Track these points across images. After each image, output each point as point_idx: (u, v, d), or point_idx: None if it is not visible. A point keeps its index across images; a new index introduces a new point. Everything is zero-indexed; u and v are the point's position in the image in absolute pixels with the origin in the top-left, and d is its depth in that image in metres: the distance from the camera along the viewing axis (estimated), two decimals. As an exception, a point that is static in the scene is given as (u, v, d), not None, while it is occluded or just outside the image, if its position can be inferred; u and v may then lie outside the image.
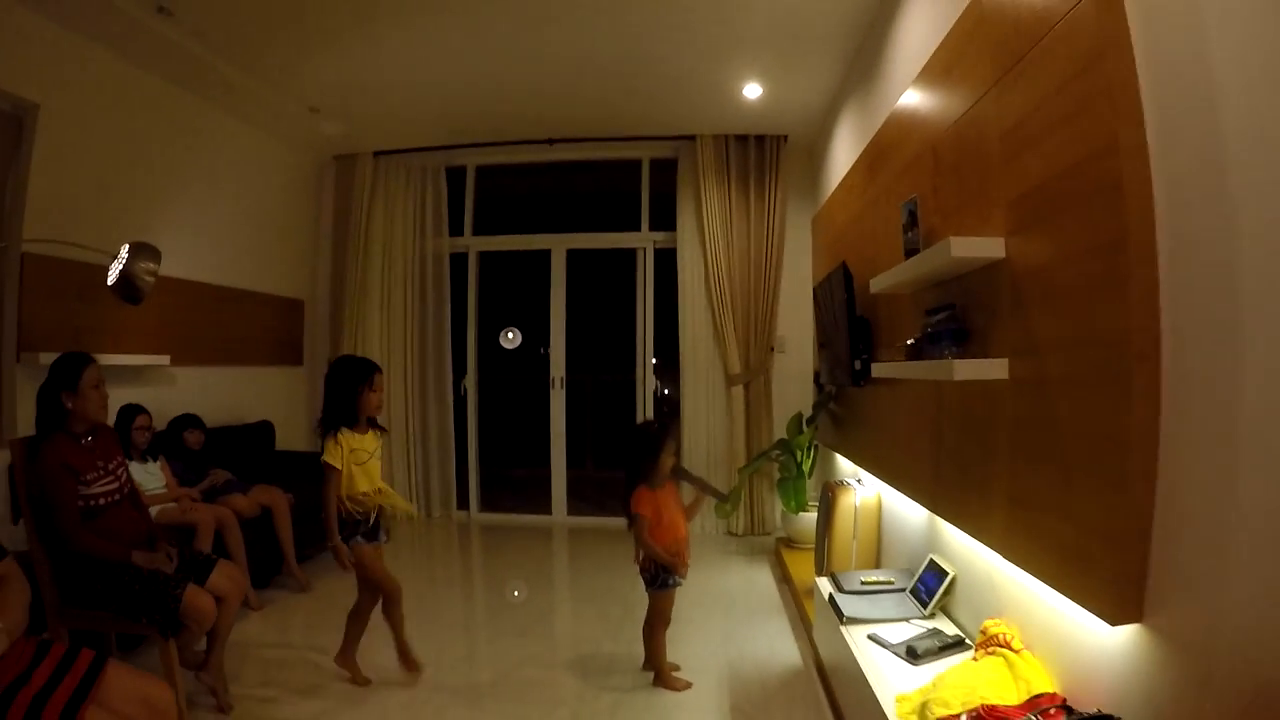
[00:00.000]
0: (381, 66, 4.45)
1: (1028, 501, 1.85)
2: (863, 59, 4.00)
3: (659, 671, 3.09)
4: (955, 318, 2.29)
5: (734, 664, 3.29)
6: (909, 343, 2.60)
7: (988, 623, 2.15)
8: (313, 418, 5.01)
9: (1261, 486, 1.18)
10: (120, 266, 3.41)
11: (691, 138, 5.57)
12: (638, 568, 3.11)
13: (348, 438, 2.91)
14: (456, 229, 6.11)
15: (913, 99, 2.81)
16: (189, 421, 4.31)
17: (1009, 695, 1.83)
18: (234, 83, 4.51)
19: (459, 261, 6.15)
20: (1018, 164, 1.91)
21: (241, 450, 4.80)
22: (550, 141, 5.72)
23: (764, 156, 5.51)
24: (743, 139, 5.52)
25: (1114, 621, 1.51)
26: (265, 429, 5.29)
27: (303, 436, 5.89)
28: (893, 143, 3.08)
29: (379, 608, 3.10)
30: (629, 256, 6.05)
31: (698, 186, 5.57)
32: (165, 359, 4.35)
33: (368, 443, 2.99)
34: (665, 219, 5.87)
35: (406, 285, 5.97)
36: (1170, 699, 1.40)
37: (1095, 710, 1.58)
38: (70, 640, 2.27)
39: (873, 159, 3.44)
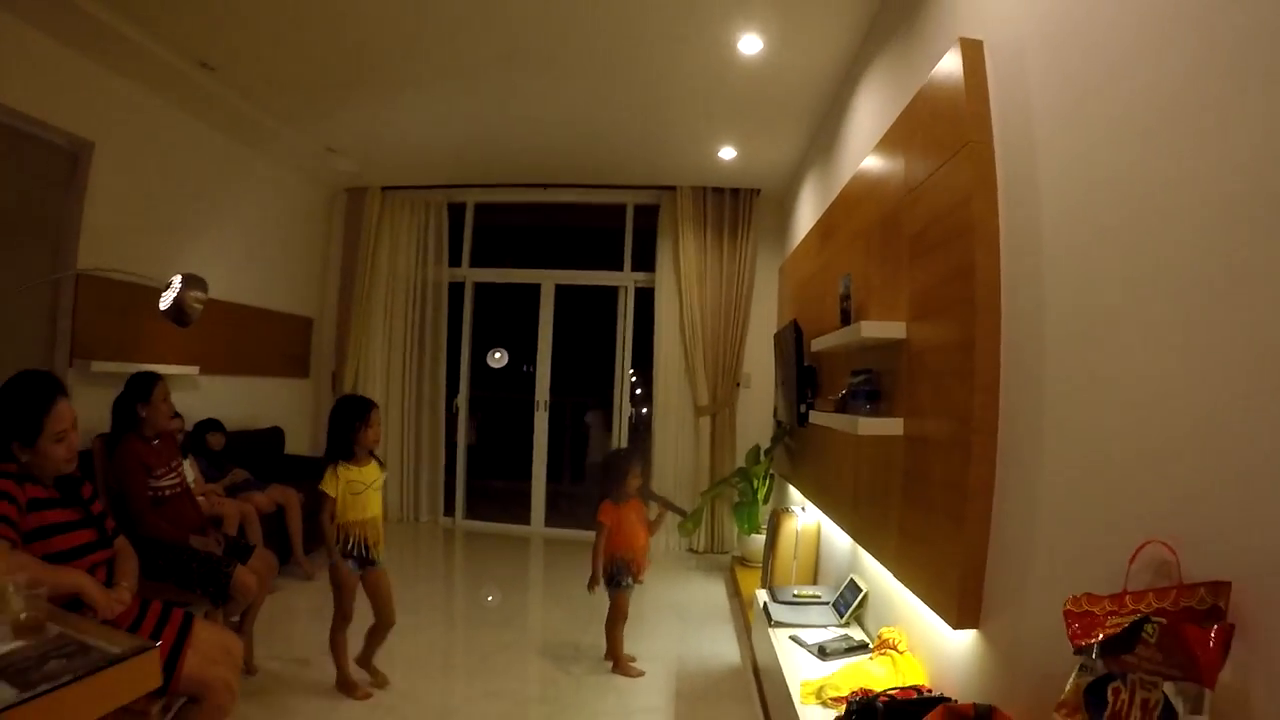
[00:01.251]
0: (396, 119, 4.98)
1: (910, 534, 2.37)
2: (824, 133, 4.57)
3: (617, 660, 3.61)
4: (871, 381, 2.81)
5: (683, 659, 3.81)
6: (838, 396, 3.13)
7: (883, 630, 2.68)
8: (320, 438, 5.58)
9: (1046, 533, 1.70)
10: (174, 295, 3.87)
11: (672, 188, 6.12)
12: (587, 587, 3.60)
13: (345, 470, 3.17)
14: (455, 260, 6.64)
15: (854, 189, 3.35)
16: (211, 425, 4.78)
17: (890, 685, 2.35)
18: (262, 126, 5.01)
19: (456, 290, 6.67)
20: (918, 264, 2.43)
21: (255, 452, 5.27)
22: (544, 186, 6.28)
23: (738, 207, 6.07)
24: (719, 191, 6.08)
25: (958, 626, 2.01)
26: (276, 434, 5.77)
27: (307, 442, 6.37)
28: (838, 222, 3.62)
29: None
30: (611, 293, 6.59)
31: (676, 233, 6.12)
32: (195, 369, 4.84)
33: (366, 475, 3.24)
34: (646, 259, 6.41)
35: (407, 310, 6.48)
36: (995, 683, 1.90)
37: (939, 693, 2.11)
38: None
39: (824, 229, 3.98)
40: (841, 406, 3.01)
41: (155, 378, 3.31)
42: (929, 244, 2.32)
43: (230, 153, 5.31)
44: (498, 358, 8.19)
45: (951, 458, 2.07)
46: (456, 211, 6.65)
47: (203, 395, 5.05)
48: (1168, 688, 1.10)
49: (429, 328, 6.51)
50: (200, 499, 4.21)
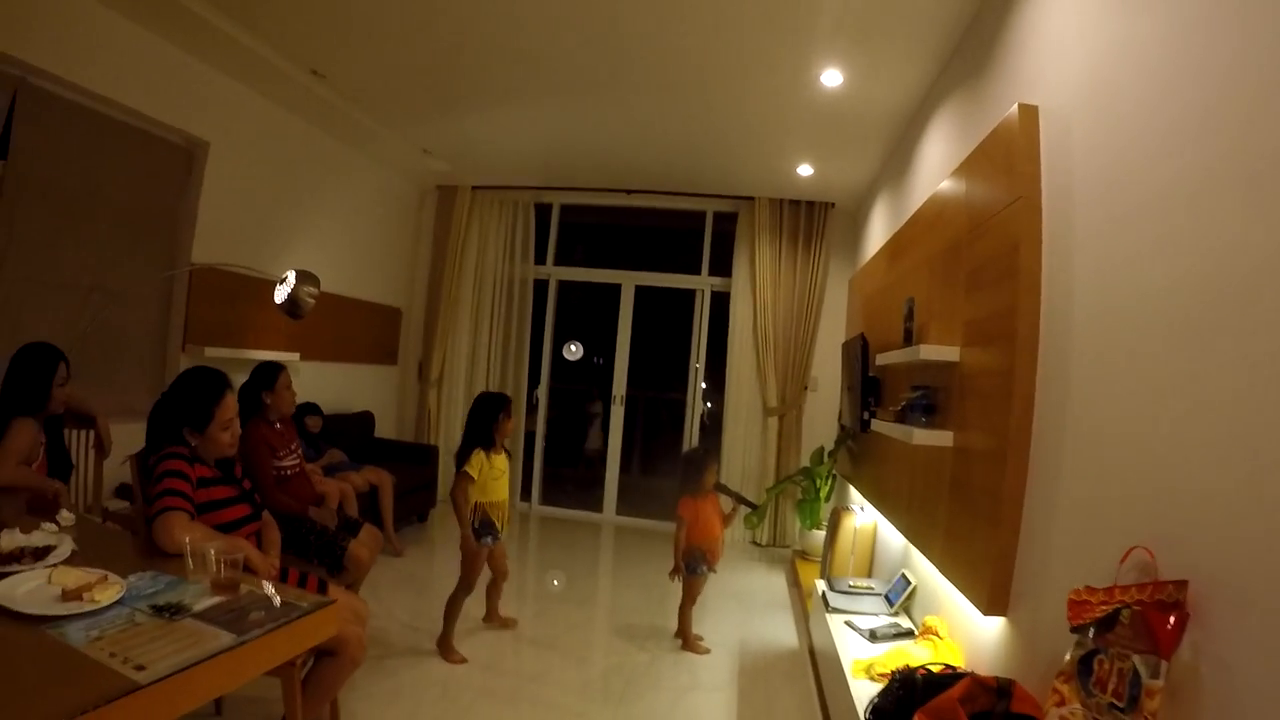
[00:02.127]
0: (491, 127, 5.37)
1: (954, 533, 2.68)
2: (896, 158, 4.84)
3: (686, 639, 3.99)
4: (927, 396, 3.11)
5: (745, 641, 4.17)
6: (898, 408, 3.43)
7: (927, 618, 3.00)
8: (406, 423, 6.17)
9: (1062, 536, 2.01)
10: (288, 290, 4.34)
11: (750, 199, 6.44)
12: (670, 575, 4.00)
13: (481, 457, 3.58)
14: (540, 258, 7.08)
15: (921, 219, 3.63)
16: (309, 409, 5.22)
17: (931, 666, 2.67)
18: (363, 127, 5.43)
19: (540, 286, 7.12)
20: (973, 297, 2.72)
21: (348, 435, 5.76)
22: (628, 191, 6.66)
23: (813, 220, 6.36)
24: (795, 203, 6.38)
25: (988, 613, 2.33)
26: (366, 418, 6.27)
27: (394, 426, 6.93)
28: (905, 247, 3.91)
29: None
30: (689, 295, 6.95)
31: (753, 241, 6.44)
32: (296, 355, 5.28)
33: (500, 462, 3.66)
34: (722, 264, 6.75)
35: (493, 304, 6.95)
36: (1017, 661, 2.22)
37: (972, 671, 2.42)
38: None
39: (892, 251, 4.26)
40: (900, 417, 3.31)
41: (279, 367, 3.76)
42: (982, 281, 2.61)
43: (331, 151, 5.71)
44: (574, 350, 8.64)
45: (991, 468, 2.37)
46: (543, 211, 7.07)
47: (300, 380, 5.41)
48: (1136, 659, 1.42)
49: (514, 322, 6.98)
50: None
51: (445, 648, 3.63)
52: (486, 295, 6.96)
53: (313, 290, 4.47)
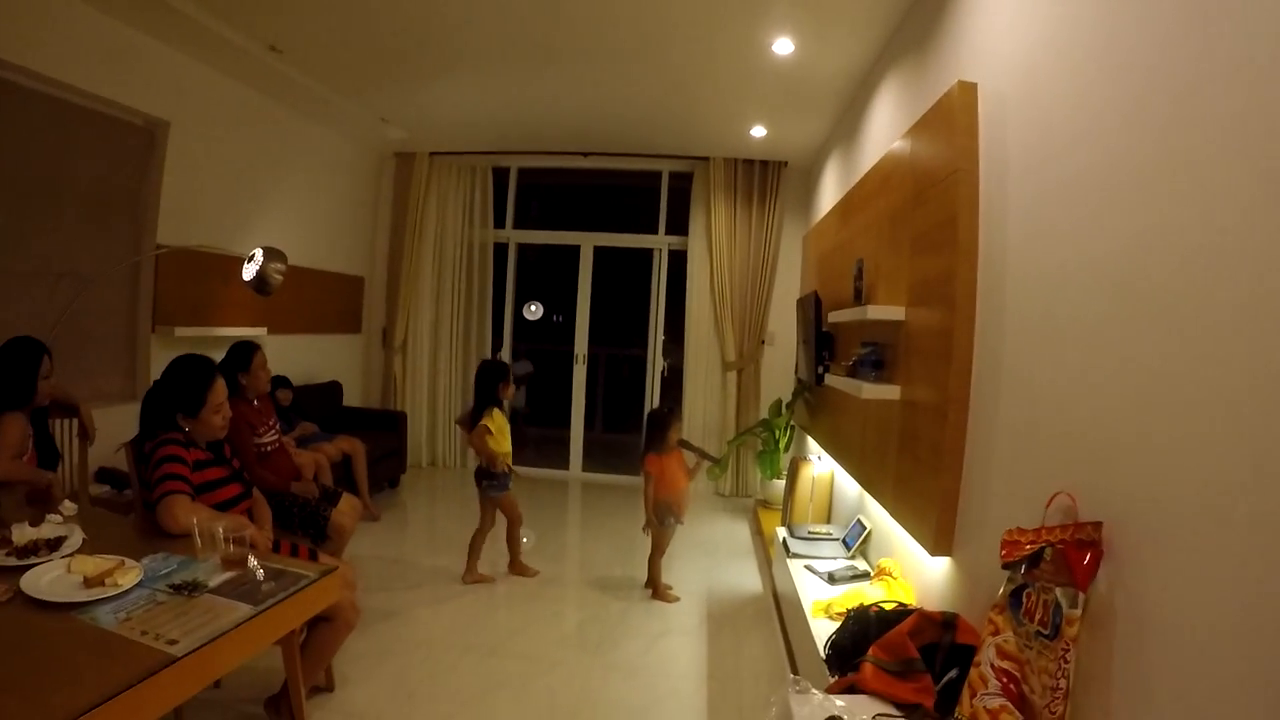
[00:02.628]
0: (445, 93, 5.35)
1: (903, 480, 2.89)
2: (846, 121, 4.97)
3: (656, 588, 4.20)
4: (876, 352, 3.30)
5: (712, 588, 4.40)
6: (850, 363, 3.62)
7: (882, 560, 3.23)
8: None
9: (998, 483, 2.22)
10: (256, 268, 4.36)
11: (705, 159, 6.54)
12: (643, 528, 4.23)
13: (494, 414, 4.18)
14: (499, 222, 7.13)
15: (870, 183, 3.78)
16: (280, 382, 5.23)
17: (884, 604, 2.89)
18: (321, 99, 5.40)
19: (500, 250, 7.17)
20: (917, 261, 2.89)
21: (318, 405, 5.82)
22: (585, 154, 6.70)
23: (766, 178, 6.48)
24: (749, 162, 6.49)
25: (934, 554, 2.55)
26: (334, 388, 6.33)
27: (360, 394, 7.00)
28: (855, 209, 4.06)
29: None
30: (647, 254, 7.07)
31: (708, 200, 6.55)
32: (264, 330, 5.30)
33: (501, 420, 4.25)
34: (679, 223, 6.86)
35: (454, 269, 6.99)
36: (960, 597, 2.44)
37: (919, 607, 2.65)
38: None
39: (843, 211, 4.42)
40: (852, 372, 3.51)
41: (253, 347, 3.83)
42: (925, 246, 2.78)
43: (289, 123, 5.68)
44: (533, 310, 8.70)
45: (934, 421, 2.57)
46: (500, 175, 7.09)
47: (268, 353, 5.47)
48: (1058, 591, 1.63)
49: (475, 286, 7.03)
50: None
51: (474, 577, 4.28)
52: (448, 260, 6.99)
53: (280, 267, 4.49)
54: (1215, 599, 1.27)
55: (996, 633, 1.81)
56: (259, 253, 4.40)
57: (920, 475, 2.69)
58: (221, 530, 2.04)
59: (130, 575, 1.79)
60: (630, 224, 7.20)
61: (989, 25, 2.53)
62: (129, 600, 1.73)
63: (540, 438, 8.16)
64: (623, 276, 7.62)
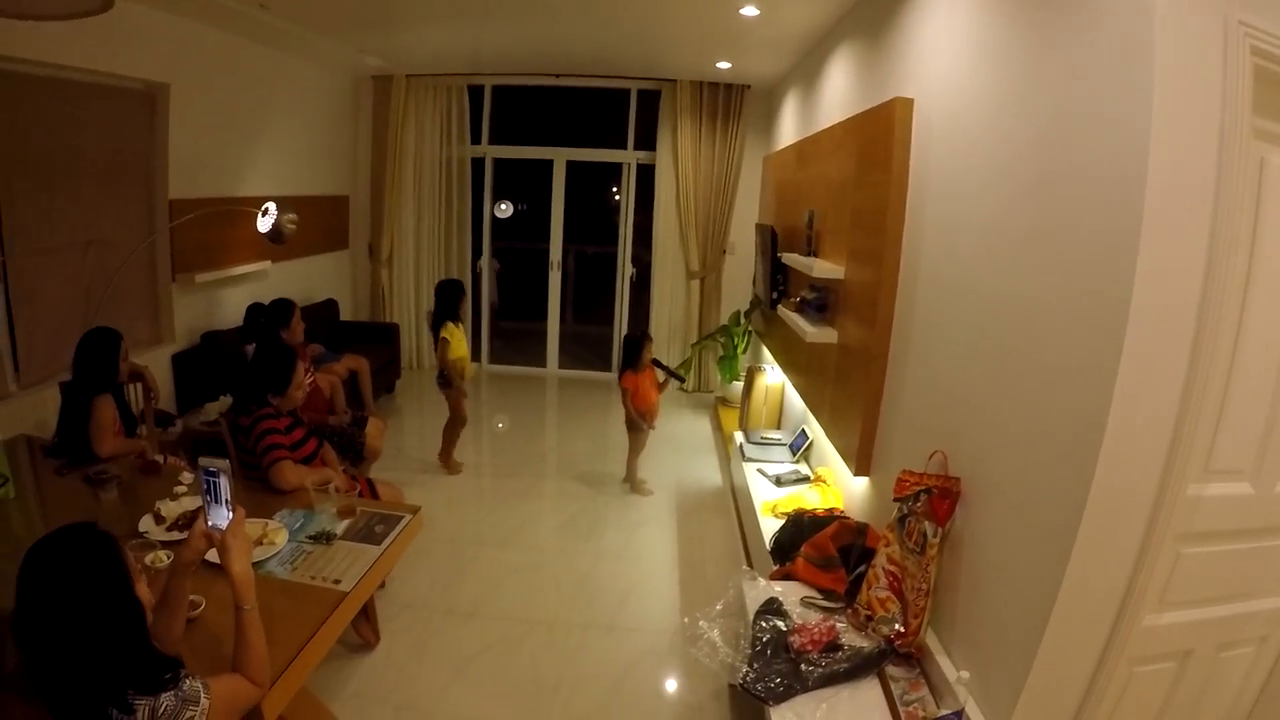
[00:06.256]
0: (425, 32, 5.58)
1: (836, 408, 3.60)
2: (805, 67, 5.38)
3: (633, 483, 4.99)
4: (821, 298, 3.92)
5: (680, 482, 5.22)
6: (799, 299, 4.24)
7: (819, 469, 4.00)
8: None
9: (904, 425, 2.93)
10: (271, 220, 4.69)
11: (673, 80, 6.87)
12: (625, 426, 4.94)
13: (452, 327, 4.84)
14: (476, 138, 7.45)
15: (823, 143, 4.26)
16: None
17: (819, 506, 3.67)
18: (305, 39, 5.59)
19: (478, 165, 7.54)
20: (855, 232, 3.45)
21: (318, 324, 6.22)
22: (556, 75, 6.99)
23: (730, 101, 6.87)
24: (714, 85, 6.84)
25: (857, 474, 3.29)
26: (331, 305, 6.81)
27: (351, 307, 7.48)
28: (810, 156, 4.53)
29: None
30: (616, 168, 7.51)
31: (675, 120, 6.94)
32: (268, 263, 5.73)
33: (457, 332, 4.89)
34: (647, 139, 7.27)
35: (434, 184, 7.35)
36: (873, 512, 3.20)
37: (845, 516, 3.43)
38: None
39: (800, 153, 4.90)
40: (800, 309, 4.12)
41: (291, 305, 4.38)
42: (861, 224, 3.36)
43: (273, 62, 5.84)
44: (503, 208, 9.11)
45: (861, 363, 3.21)
46: (476, 93, 7.35)
47: (270, 284, 5.92)
48: (926, 524, 2.37)
49: (454, 200, 7.43)
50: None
51: (449, 463, 5.14)
52: (427, 176, 7.34)
53: (292, 217, 4.73)
54: (1011, 533, 2.01)
55: (888, 544, 2.57)
56: (272, 206, 4.69)
57: (849, 409, 3.39)
58: (333, 487, 2.70)
59: (281, 534, 2.39)
60: (601, 138, 7.58)
61: (928, 34, 2.94)
62: (285, 553, 2.33)
63: (514, 331, 8.79)
64: (597, 184, 8.02)
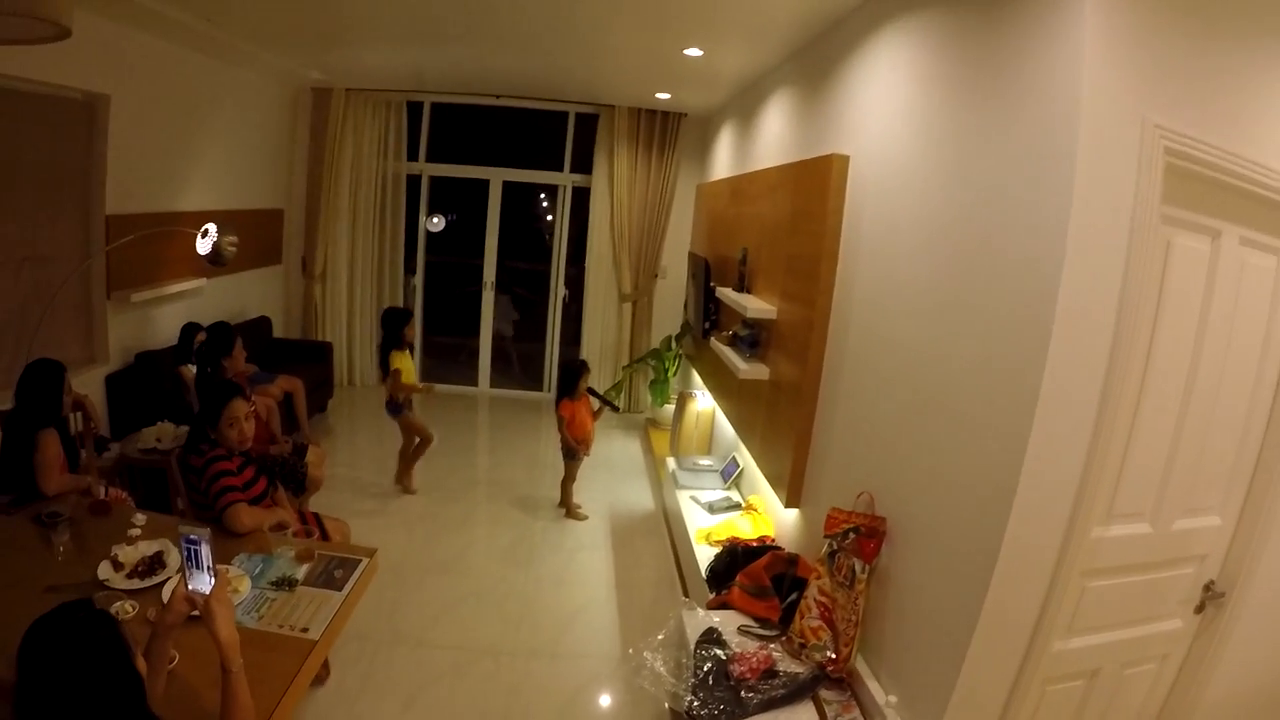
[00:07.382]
0: (370, 45, 5.56)
1: (768, 440, 3.79)
2: (742, 102, 5.62)
3: (569, 508, 5.11)
4: (754, 334, 4.12)
5: (613, 506, 5.35)
6: (731, 334, 4.43)
7: (750, 497, 4.21)
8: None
9: (834, 463, 3.15)
10: (211, 242, 4.59)
11: (611, 106, 7.03)
12: (559, 448, 5.06)
13: (401, 355, 4.99)
14: (414, 155, 7.45)
15: (759, 183, 4.46)
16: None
17: (751, 534, 3.87)
18: (247, 53, 5.54)
19: (414, 182, 7.53)
20: (789, 275, 3.67)
21: (251, 342, 6.03)
22: (497, 96, 7.07)
23: (667, 129, 7.06)
24: (652, 112, 7.02)
25: (787, 506, 3.50)
26: (264, 323, 6.67)
27: (283, 324, 7.33)
28: (745, 194, 4.74)
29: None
30: (553, 189, 7.62)
31: (611, 145, 7.10)
32: (204, 280, 5.60)
33: (405, 360, 5.04)
34: (583, 162, 7.41)
35: (370, 200, 7.31)
36: (804, 542, 3.40)
37: (777, 546, 3.64)
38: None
39: (735, 189, 5.11)
40: (733, 344, 4.30)
41: (233, 332, 4.33)
42: (795, 269, 3.57)
43: (214, 73, 5.70)
44: (435, 222, 9.10)
45: (793, 401, 3.40)
46: (415, 109, 7.34)
47: (205, 300, 5.78)
48: (855, 561, 2.57)
49: (389, 216, 7.40)
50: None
51: (408, 484, 5.29)
52: (363, 191, 7.29)
53: (232, 239, 4.60)
54: (934, 569, 2.24)
55: (819, 577, 2.77)
56: (212, 228, 4.55)
57: (780, 442, 3.58)
58: (290, 533, 2.78)
59: (244, 582, 2.39)
60: (538, 159, 7.67)
61: (862, 98, 3.16)
62: (249, 601, 2.33)
63: (448, 346, 8.77)
64: (531, 199, 8.08)
